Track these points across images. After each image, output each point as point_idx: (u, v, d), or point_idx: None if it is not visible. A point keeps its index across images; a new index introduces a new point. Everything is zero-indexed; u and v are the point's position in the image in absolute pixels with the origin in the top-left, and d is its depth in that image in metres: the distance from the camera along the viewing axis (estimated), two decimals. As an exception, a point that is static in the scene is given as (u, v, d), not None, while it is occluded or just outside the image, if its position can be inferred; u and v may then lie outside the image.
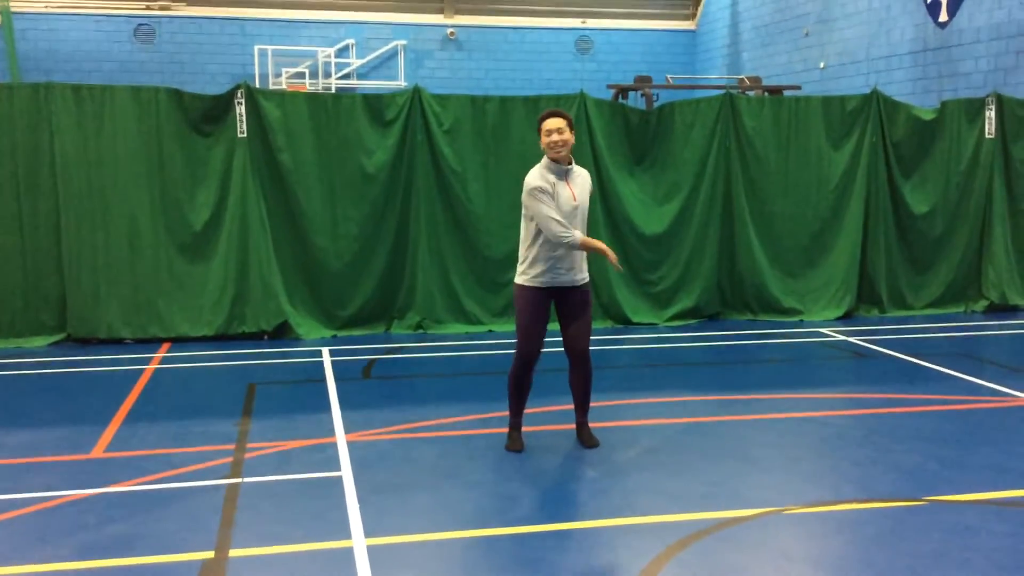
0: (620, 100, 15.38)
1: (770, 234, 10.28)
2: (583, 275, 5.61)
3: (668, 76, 18.63)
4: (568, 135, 5.41)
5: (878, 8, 15.97)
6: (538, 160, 5.54)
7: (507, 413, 5.86)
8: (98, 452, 5.73)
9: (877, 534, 4.47)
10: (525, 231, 5.53)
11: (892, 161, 10.38)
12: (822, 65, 17.49)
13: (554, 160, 5.44)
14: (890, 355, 8.43)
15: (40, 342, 8.90)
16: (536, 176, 5.44)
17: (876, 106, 10.26)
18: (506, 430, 5.91)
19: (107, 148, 8.88)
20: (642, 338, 9.46)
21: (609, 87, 16.87)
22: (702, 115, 10.06)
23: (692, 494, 4.99)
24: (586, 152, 9.73)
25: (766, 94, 15.10)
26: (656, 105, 11.09)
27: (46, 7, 16.67)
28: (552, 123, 5.38)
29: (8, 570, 4.11)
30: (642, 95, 16.36)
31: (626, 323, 9.94)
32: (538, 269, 5.48)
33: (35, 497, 4.96)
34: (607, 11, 20.42)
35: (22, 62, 15.44)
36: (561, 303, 5.63)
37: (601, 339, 9.33)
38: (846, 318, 10.21)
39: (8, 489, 5.07)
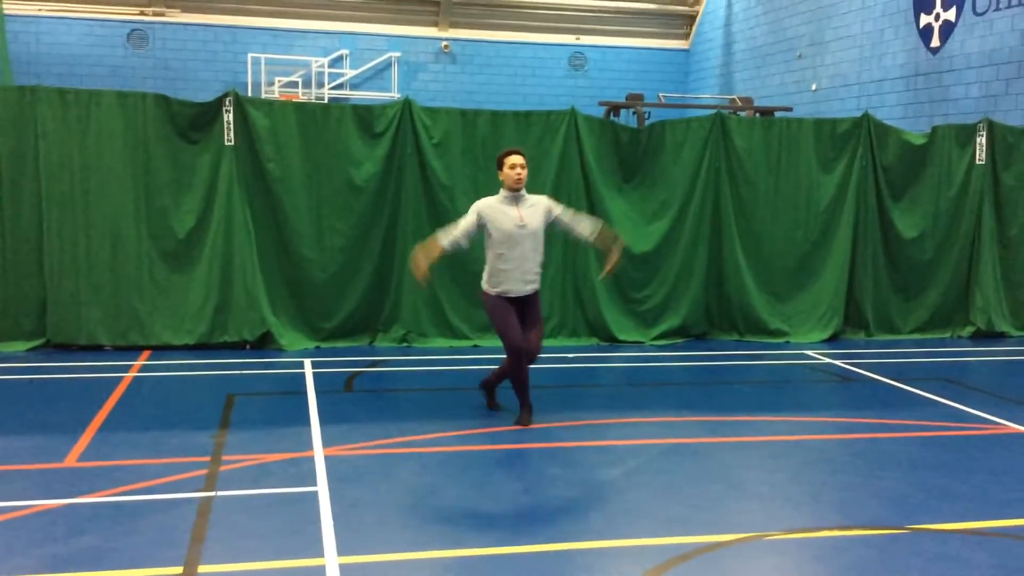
0: (611, 117, 15.37)
1: (758, 255, 10.25)
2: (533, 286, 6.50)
3: (660, 95, 18.65)
4: (526, 170, 6.42)
5: (871, 32, 16.03)
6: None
7: (489, 430, 6.15)
8: (71, 461, 5.63)
9: (858, 562, 4.40)
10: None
11: (882, 185, 10.37)
12: (814, 87, 17.54)
13: (512, 190, 6.40)
14: (876, 379, 8.39)
15: (19, 347, 8.78)
16: (484, 200, 6.54)
17: (867, 130, 10.27)
18: (486, 447, 6.02)
19: (92, 153, 8.79)
20: (628, 356, 9.41)
21: (601, 104, 16.88)
22: (693, 134, 10.04)
23: (674, 518, 4.92)
24: (575, 168, 9.68)
25: (757, 115, 15.11)
26: (647, 123, 11.07)
27: (39, 10, 16.60)
28: (517, 159, 6.40)
29: (-30, 582, 4.01)
30: (634, 113, 16.35)
31: (612, 341, 9.89)
32: (495, 281, 6.48)
33: (5, 506, 4.85)
34: (601, 28, 20.49)
35: (12, 65, 15.33)
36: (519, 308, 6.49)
37: (587, 356, 9.27)
38: (833, 341, 10.18)
39: (-24, 498, 4.96)
